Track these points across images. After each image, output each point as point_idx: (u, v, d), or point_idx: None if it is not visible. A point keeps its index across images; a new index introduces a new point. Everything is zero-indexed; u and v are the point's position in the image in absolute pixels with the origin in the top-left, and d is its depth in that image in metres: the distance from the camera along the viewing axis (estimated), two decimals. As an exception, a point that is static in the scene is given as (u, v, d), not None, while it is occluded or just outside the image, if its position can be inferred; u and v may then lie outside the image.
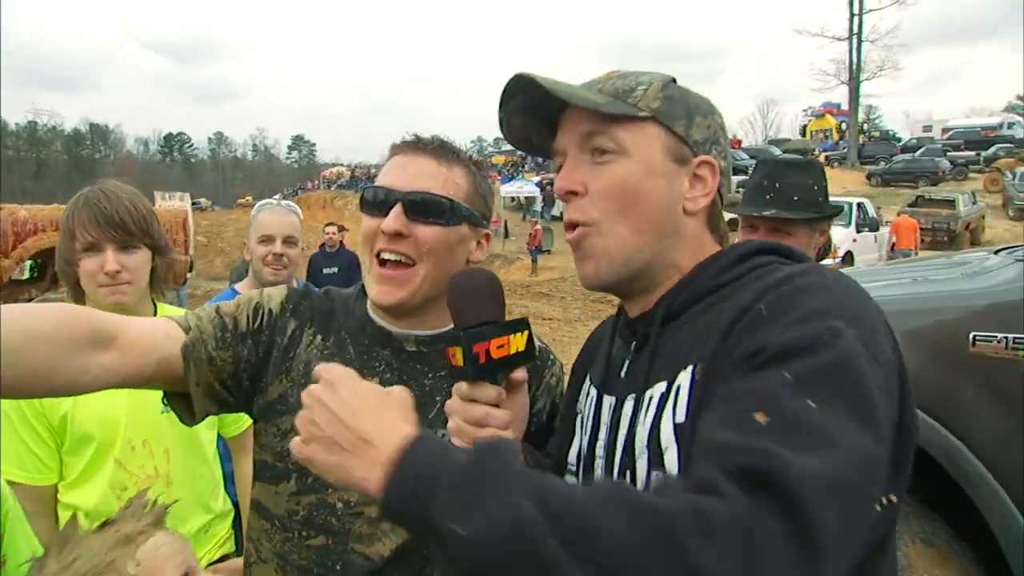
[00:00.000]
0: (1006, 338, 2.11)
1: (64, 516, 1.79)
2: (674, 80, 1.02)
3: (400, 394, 0.87)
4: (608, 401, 1.03)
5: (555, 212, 32.08)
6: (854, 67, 42.78)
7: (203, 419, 1.24)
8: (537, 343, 1.30)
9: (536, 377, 1.33)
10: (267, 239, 2.78)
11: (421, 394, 1.21)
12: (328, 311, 1.31)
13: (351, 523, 1.20)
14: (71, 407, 1.76)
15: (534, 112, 1.03)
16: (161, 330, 1.17)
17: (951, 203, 20.48)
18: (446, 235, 1.22)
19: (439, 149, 1.26)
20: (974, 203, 21.92)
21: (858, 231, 15.56)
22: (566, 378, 1.33)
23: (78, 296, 1.87)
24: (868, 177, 33.94)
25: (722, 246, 1.02)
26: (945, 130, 42.96)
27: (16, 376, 0.92)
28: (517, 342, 0.96)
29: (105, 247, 1.77)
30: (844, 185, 32.60)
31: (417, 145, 1.26)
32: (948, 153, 34.10)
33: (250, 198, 67.30)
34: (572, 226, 0.99)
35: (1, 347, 0.90)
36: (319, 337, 1.27)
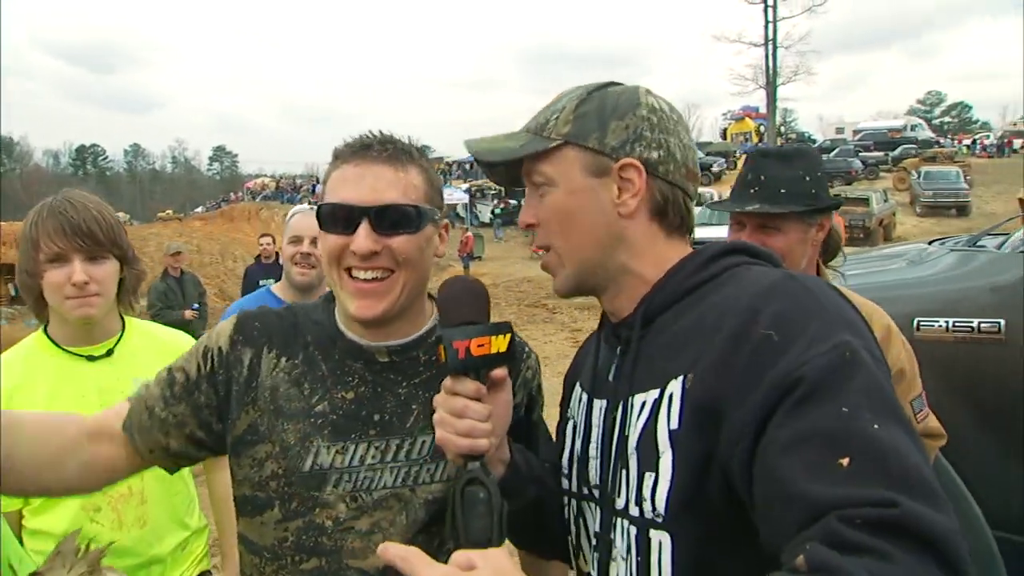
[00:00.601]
0: (947, 322, 2.20)
1: (31, 543, 1.68)
2: (601, 87, 1.07)
3: None
4: (599, 404, 1.08)
5: (484, 219, 32.19)
6: (770, 72, 44.44)
7: (179, 469, 1.32)
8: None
9: (514, 371, 1.32)
10: (296, 240, 2.82)
11: (397, 403, 1.21)
12: (290, 327, 1.28)
13: (343, 540, 1.18)
14: None
15: (505, 163, 1.11)
16: (116, 413, 1.26)
17: (865, 201, 21.45)
18: (417, 241, 1.19)
19: (393, 153, 1.20)
20: (886, 201, 23.06)
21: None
22: (543, 371, 1.39)
23: (40, 310, 1.78)
24: (787, 178, 35.22)
25: (684, 232, 1.07)
26: (856, 132, 45.16)
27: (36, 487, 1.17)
28: (499, 343, 1.02)
29: (72, 257, 1.69)
30: (765, 186, 33.76)
31: (368, 152, 1.19)
32: (860, 154, 35.82)
33: (170, 212, 65.16)
34: (540, 251, 1.11)
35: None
36: (283, 359, 1.24)
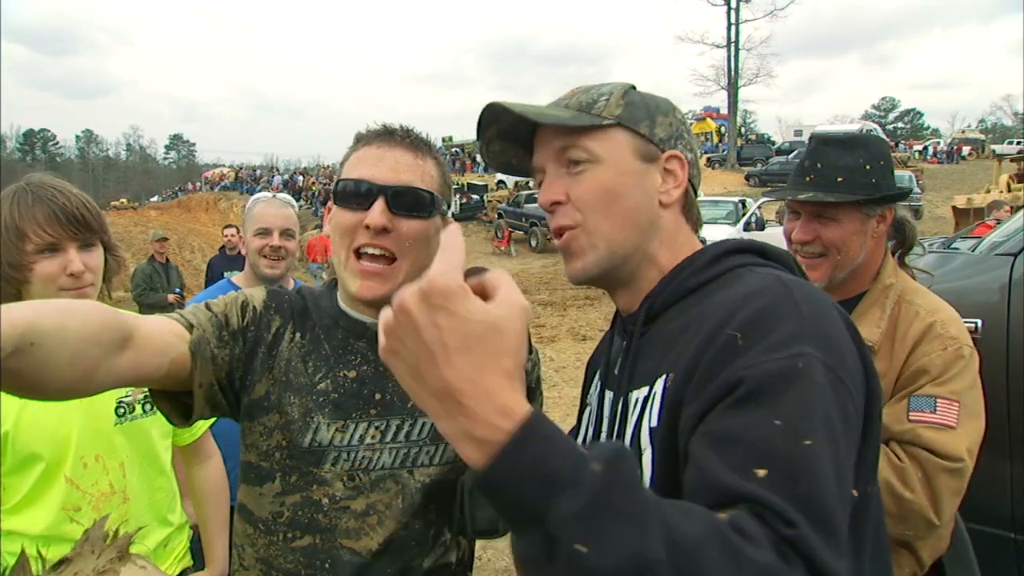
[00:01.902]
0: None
1: (6, 545, 1.60)
2: (633, 87, 1.09)
3: (511, 332, 0.67)
4: (608, 395, 1.10)
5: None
6: (732, 73, 45.13)
7: (196, 420, 1.19)
8: None
9: None
10: (264, 232, 2.71)
11: (398, 383, 1.18)
12: (302, 308, 1.30)
13: (338, 518, 1.20)
14: (13, 426, 1.57)
15: (509, 137, 1.11)
16: (169, 328, 1.13)
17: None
18: (426, 228, 1.23)
19: (415, 141, 1.25)
20: (842, 202, 23.58)
21: (745, 229, 16.31)
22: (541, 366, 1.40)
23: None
24: (747, 178, 35.90)
25: (697, 232, 1.11)
26: (813, 135, 45.99)
27: (69, 378, 0.92)
28: None
29: (67, 246, 1.60)
30: (725, 185, 34.35)
31: (392, 137, 1.25)
32: (817, 156, 36.44)
33: (124, 200, 63.46)
34: (559, 232, 1.06)
35: (62, 352, 0.89)
36: (297, 335, 1.27)
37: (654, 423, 0.92)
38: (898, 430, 1.57)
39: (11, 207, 1.58)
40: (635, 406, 0.98)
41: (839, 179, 1.77)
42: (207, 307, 1.22)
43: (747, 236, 16.08)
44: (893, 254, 1.90)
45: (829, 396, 0.77)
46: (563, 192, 1.05)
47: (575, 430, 1.23)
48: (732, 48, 45.07)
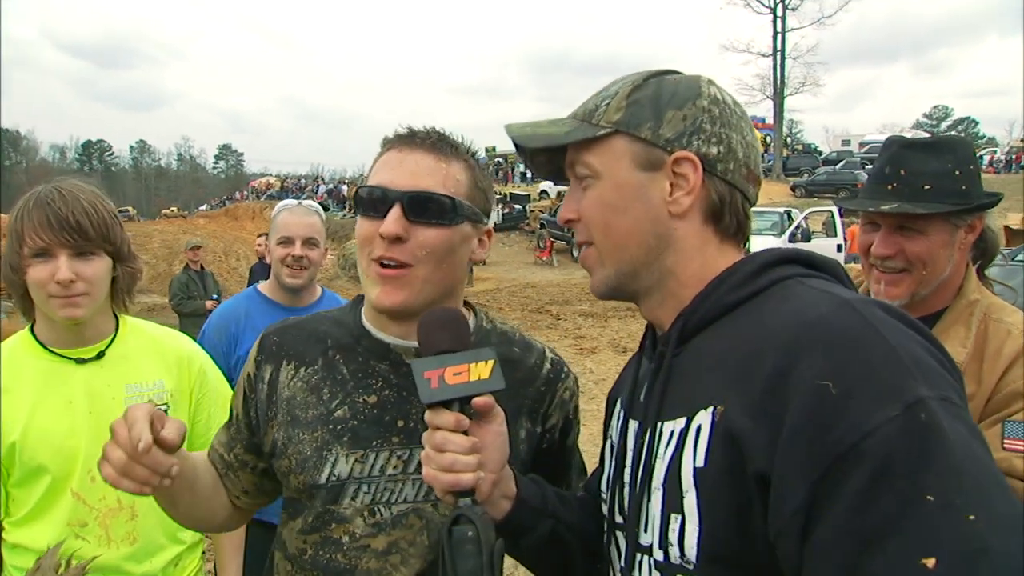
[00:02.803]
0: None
1: (11, 558, 1.61)
2: (655, 75, 0.97)
3: None
4: (632, 425, 1.01)
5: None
6: (778, 83, 44.44)
7: (274, 500, 1.35)
8: (551, 355, 1.31)
9: (549, 392, 1.28)
10: (287, 241, 2.64)
11: (423, 409, 1.13)
12: (309, 335, 1.24)
13: (358, 558, 1.14)
14: (21, 435, 1.57)
15: (546, 150, 1.03)
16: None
17: (871, 213, 21.37)
18: (448, 236, 1.13)
19: (437, 143, 1.16)
20: (892, 213, 22.99)
21: (791, 240, 16.00)
22: (580, 394, 1.32)
23: (27, 308, 1.66)
24: (792, 189, 35.21)
25: (739, 239, 0.97)
26: (862, 144, 44.99)
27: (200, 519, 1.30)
28: (479, 370, 0.95)
29: (58, 253, 1.56)
30: (770, 196, 33.75)
31: (413, 139, 1.16)
32: (866, 167, 35.65)
33: (175, 209, 65.23)
34: (580, 247, 1.03)
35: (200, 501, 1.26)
36: (301, 369, 1.21)
37: (700, 463, 0.81)
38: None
39: (19, 210, 1.58)
40: (669, 440, 0.88)
41: (926, 187, 1.59)
42: (231, 408, 1.33)
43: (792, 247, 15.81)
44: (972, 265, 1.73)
45: (965, 438, 0.68)
46: (575, 209, 0.99)
47: (598, 470, 1.13)
48: (778, 57, 44.40)
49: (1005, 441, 1.46)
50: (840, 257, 16.33)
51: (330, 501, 1.14)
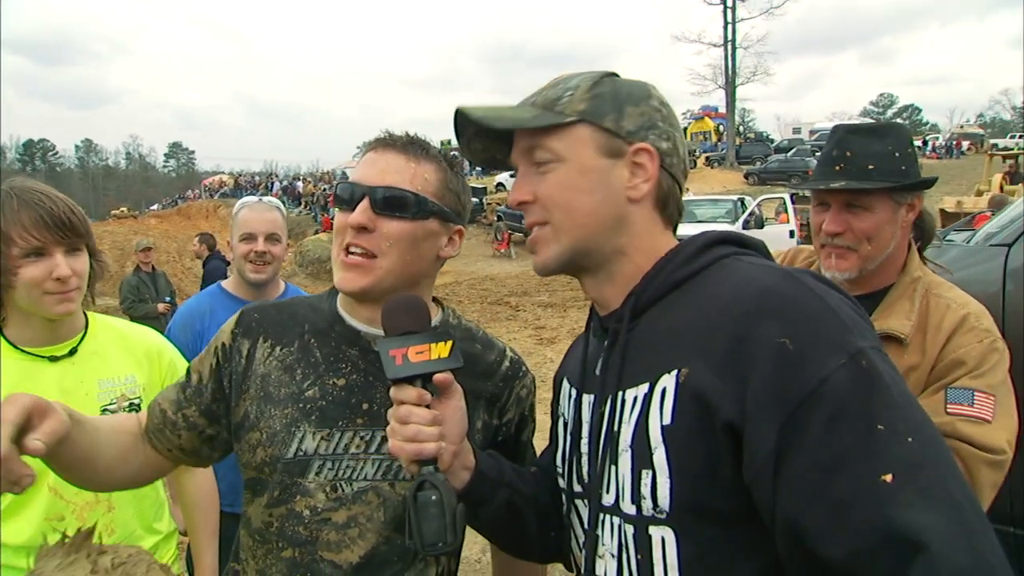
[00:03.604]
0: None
1: None
2: (609, 75, 1.06)
3: None
4: (587, 399, 1.07)
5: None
6: (730, 72, 45.11)
7: (209, 464, 1.41)
8: (511, 354, 1.41)
9: (507, 388, 1.38)
10: (249, 237, 2.67)
11: (387, 394, 1.18)
12: (288, 317, 1.32)
13: (318, 530, 1.20)
14: None
15: (490, 136, 1.11)
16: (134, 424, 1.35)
17: (822, 199, 21.81)
18: (412, 229, 1.22)
19: (408, 145, 1.26)
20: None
21: (745, 227, 16.31)
22: (538, 392, 1.41)
23: None
24: (746, 176, 35.89)
25: (674, 226, 1.08)
26: (812, 132, 46.13)
27: (110, 457, 1.24)
28: (439, 349, 1.04)
29: (53, 251, 1.58)
30: (724, 184, 34.34)
31: (387, 141, 1.27)
32: (816, 153, 36.46)
33: (125, 209, 63.43)
34: (530, 229, 1.07)
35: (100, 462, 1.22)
36: (277, 348, 1.28)
37: (667, 420, 0.89)
38: (935, 423, 1.54)
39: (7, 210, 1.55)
40: (632, 404, 0.95)
41: (870, 167, 1.73)
42: (188, 367, 1.37)
43: (747, 234, 16.09)
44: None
45: (896, 377, 0.83)
46: (530, 192, 1.05)
47: (550, 447, 1.21)
48: (729, 47, 45.04)
49: (948, 406, 1.58)
50: (792, 243, 16.71)
51: (296, 474, 1.21)
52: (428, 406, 1.02)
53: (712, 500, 0.86)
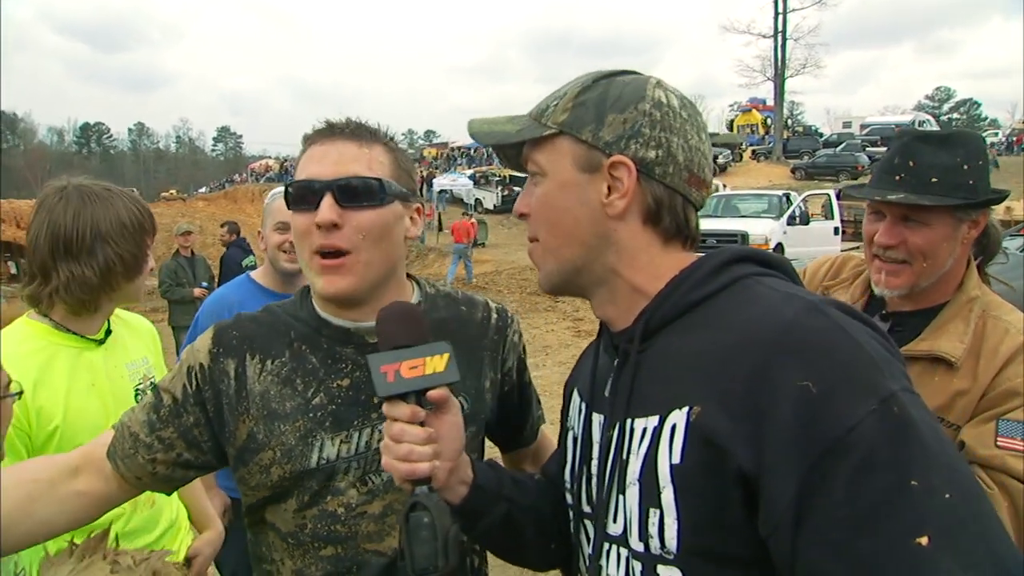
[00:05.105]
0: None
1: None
2: (612, 75, 1.00)
3: None
4: (597, 419, 1.04)
5: (488, 205, 32.08)
6: (779, 64, 44.20)
7: (172, 492, 1.34)
8: (494, 305, 1.42)
9: (501, 338, 1.39)
10: (283, 227, 2.66)
11: None
12: (269, 329, 1.26)
13: (356, 525, 1.20)
14: (62, 420, 1.63)
15: (503, 147, 1.08)
16: (102, 442, 1.23)
17: (871, 196, 21.28)
18: (381, 216, 1.18)
19: (356, 130, 1.22)
20: (892, 196, 22.93)
21: (789, 224, 15.98)
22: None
23: (51, 295, 1.70)
24: (792, 171, 35.10)
25: (684, 240, 1.00)
26: (863, 127, 44.78)
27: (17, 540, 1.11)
28: (434, 363, 0.98)
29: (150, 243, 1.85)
30: (770, 178, 33.69)
31: (332, 131, 1.22)
32: (867, 149, 35.55)
33: (174, 191, 64.99)
34: (531, 241, 1.05)
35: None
36: (268, 362, 1.23)
37: (676, 460, 0.84)
38: (984, 455, 1.46)
39: (127, 205, 1.76)
40: (642, 436, 0.90)
41: (933, 179, 1.60)
42: (155, 388, 1.26)
43: (791, 231, 15.81)
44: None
45: (930, 423, 0.76)
46: (527, 204, 1.02)
47: (562, 458, 1.16)
48: (779, 38, 44.12)
49: (999, 439, 1.48)
50: (837, 240, 16.33)
51: (324, 480, 1.19)
52: (423, 423, 0.97)
53: (721, 545, 0.82)
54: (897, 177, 1.64)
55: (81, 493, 1.18)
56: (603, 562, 0.96)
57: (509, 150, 1.07)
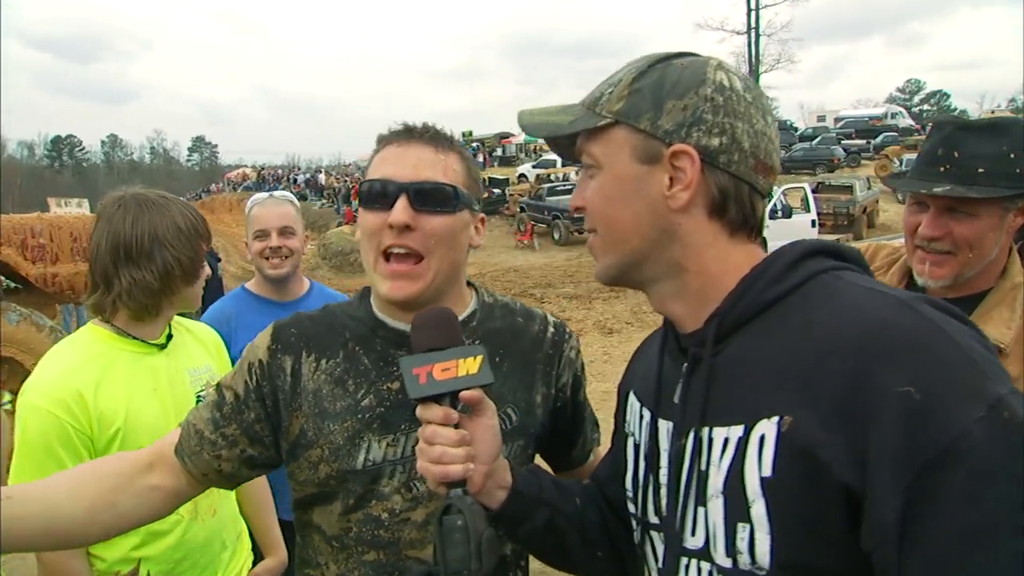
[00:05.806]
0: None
1: (101, 550, 1.70)
2: (669, 57, 0.94)
3: None
4: (665, 426, 0.98)
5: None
6: (753, 60, 44.60)
7: (236, 487, 1.36)
8: (552, 319, 1.41)
9: (557, 353, 1.37)
10: (262, 234, 2.65)
11: None
12: (326, 328, 1.28)
13: (399, 531, 1.20)
14: (123, 423, 1.66)
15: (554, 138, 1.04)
16: (170, 440, 1.26)
17: (849, 189, 21.44)
18: (452, 223, 1.20)
19: (434, 136, 1.23)
20: (869, 188, 23.14)
21: (771, 217, 16.06)
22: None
23: (115, 303, 1.74)
24: (770, 166, 35.32)
25: (750, 232, 0.94)
26: (837, 120, 45.37)
27: (76, 511, 1.12)
28: (467, 366, 0.98)
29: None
30: (748, 174, 33.84)
31: (411, 134, 1.23)
32: (842, 141, 35.93)
33: (150, 203, 64.03)
34: (590, 232, 1.01)
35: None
36: (322, 361, 1.25)
37: (767, 473, 0.80)
38: None
39: (183, 211, 1.79)
40: (723, 447, 0.85)
41: (979, 170, 1.56)
42: (217, 385, 1.29)
43: (773, 224, 15.90)
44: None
45: None
46: (581, 198, 0.98)
47: (617, 461, 1.12)
48: (752, 34, 44.56)
49: None
50: (814, 233, 16.46)
51: (369, 482, 1.20)
52: (458, 425, 0.97)
53: (817, 559, 0.78)
54: (942, 168, 1.60)
55: (155, 487, 1.21)
56: (678, 574, 0.92)
57: (562, 141, 1.02)
